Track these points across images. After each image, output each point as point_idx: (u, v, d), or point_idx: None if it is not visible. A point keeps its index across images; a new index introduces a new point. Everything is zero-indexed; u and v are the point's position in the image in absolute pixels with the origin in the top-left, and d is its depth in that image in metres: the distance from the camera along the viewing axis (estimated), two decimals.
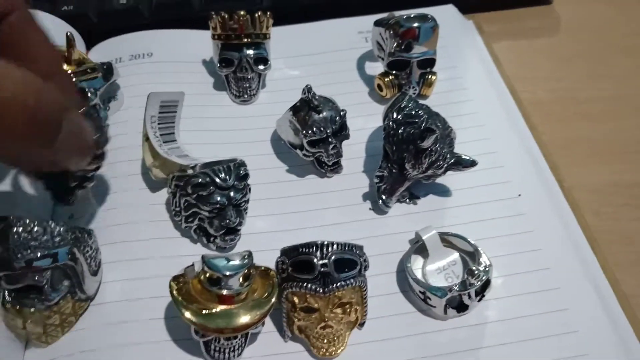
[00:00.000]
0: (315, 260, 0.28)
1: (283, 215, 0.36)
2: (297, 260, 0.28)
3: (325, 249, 0.28)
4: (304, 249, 0.28)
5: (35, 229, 0.28)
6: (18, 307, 0.29)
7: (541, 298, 0.32)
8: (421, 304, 0.32)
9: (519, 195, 0.36)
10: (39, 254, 0.28)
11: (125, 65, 0.43)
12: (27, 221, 0.28)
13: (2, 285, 0.28)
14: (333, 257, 0.28)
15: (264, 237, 0.35)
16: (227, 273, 0.27)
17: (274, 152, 0.39)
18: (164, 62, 0.44)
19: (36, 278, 0.28)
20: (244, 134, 0.40)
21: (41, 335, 0.30)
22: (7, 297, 0.29)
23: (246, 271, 0.28)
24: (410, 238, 0.34)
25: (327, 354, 0.29)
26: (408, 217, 0.36)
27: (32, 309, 0.29)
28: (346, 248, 0.29)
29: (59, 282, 0.29)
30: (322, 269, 0.28)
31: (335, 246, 0.28)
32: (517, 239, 0.34)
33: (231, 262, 0.28)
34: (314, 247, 0.28)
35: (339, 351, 0.30)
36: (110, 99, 0.41)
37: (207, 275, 0.27)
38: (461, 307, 0.31)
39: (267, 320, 0.31)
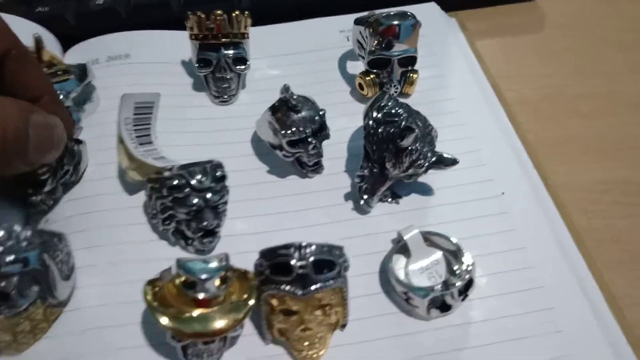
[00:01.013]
0: (293, 261, 0.27)
1: (264, 216, 0.35)
2: (275, 262, 0.28)
3: (303, 250, 0.27)
4: (282, 251, 0.28)
5: (0, 233, 0.27)
6: None
7: (526, 297, 0.31)
8: (404, 304, 0.31)
9: (503, 193, 0.36)
10: (6, 260, 0.27)
11: (102, 67, 0.42)
12: None
13: None
14: (311, 259, 0.27)
15: (244, 238, 0.34)
16: (203, 276, 0.26)
17: (254, 153, 0.39)
18: (141, 63, 0.43)
19: (2, 284, 0.27)
20: (224, 135, 0.39)
21: (11, 343, 0.29)
22: None
23: (223, 274, 0.27)
24: (392, 237, 0.34)
25: (308, 356, 0.29)
26: (390, 217, 0.35)
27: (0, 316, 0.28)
28: (325, 249, 0.28)
29: (27, 288, 0.28)
30: (300, 271, 0.27)
31: (313, 247, 0.27)
32: (501, 238, 0.34)
33: (207, 265, 0.27)
34: (292, 249, 0.27)
35: (320, 353, 0.29)
36: (86, 100, 0.40)
37: (183, 279, 0.27)
38: (444, 307, 0.30)
39: (247, 322, 0.30)
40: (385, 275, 0.32)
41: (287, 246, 0.28)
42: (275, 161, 0.38)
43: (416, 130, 0.31)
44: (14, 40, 0.31)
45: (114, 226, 0.34)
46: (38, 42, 0.36)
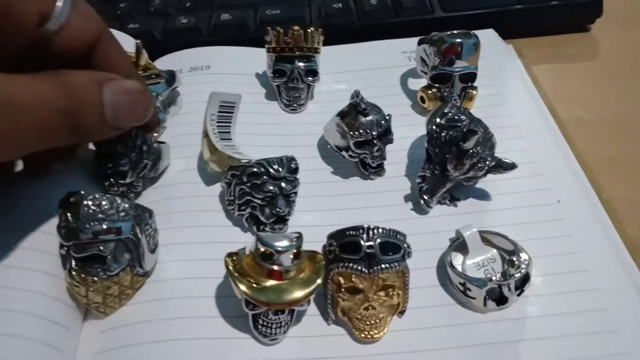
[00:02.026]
0: (361, 241, 0.29)
1: (328, 211, 0.38)
2: (344, 241, 0.30)
3: (371, 232, 0.30)
4: (351, 232, 0.30)
5: (103, 203, 0.31)
6: (83, 275, 0.31)
7: (582, 297, 0.32)
8: (461, 296, 0.32)
9: (558, 201, 0.37)
10: (104, 226, 0.30)
11: (185, 76, 0.47)
12: (97, 196, 0.31)
13: (70, 254, 0.31)
14: (378, 240, 0.29)
15: (309, 229, 0.35)
16: (279, 249, 0.29)
17: (320, 155, 0.42)
18: (220, 74, 0.48)
19: (101, 248, 0.31)
20: (293, 139, 0.43)
21: (100, 305, 0.32)
22: (73, 266, 0.31)
23: (296, 250, 0.30)
24: (450, 237, 0.36)
25: (369, 336, 0.30)
26: (448, 218, 0.37)
27: (95, 278, 0.31)
28: (391, 233, 0.30)
29: (121, 255, 0.31)
30: (368, 250, 0.29)
31: (380, 230, 0.30)
32: (556, 242, 0.35)
33: (283, 240, 0.29)
34: (361, 230, 0.30)
35: (380, 334, 0.31)
36: (171, 104, 0.45)
37: (261, 250, 0.29)
38: (501, 300, 0.31)
39: (312, 305, 0.32)
40: (443, 270, 0.34)
41: (355, 228, 0.30)
42: (339, 163, 0.41)
43: (479, 132, 0.34)
44: (103, 25, 0.33)
45: (193, 211, 0.37)
46: (138, 47, 0.41)
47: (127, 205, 0.31)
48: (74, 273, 0.31)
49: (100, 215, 0.31)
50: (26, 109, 0.26)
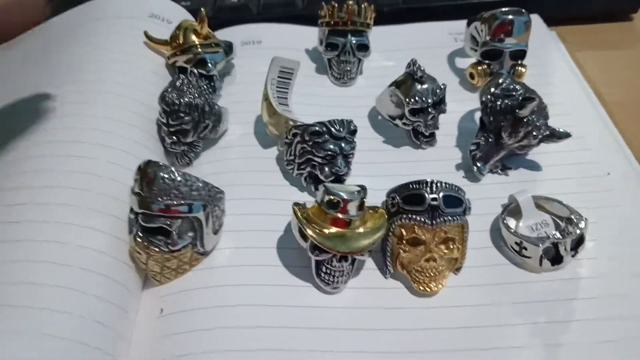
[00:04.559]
0: (426, 194, 0.30)
1: (381, 177, 0.38)
2: (408, 194, 0.31)
3: (434, 186, 0.31)
4: (414, 185, 0.31)
5: (178, 178, 0.31)
6: (146, 243, 0.31)
7: (633, 262, 0.33)
8: (515, 257, 0.33)
9: (608, 174, 0.38)
10: (175, 202, 0.30)
11: (237, 50, 0.48)
12: (173, 169, 0.31)
13: (138, 220, 0.31)
14: (442, 193, 0.30)
15: None
16: (346, 197, 0.30)
17: (371, 126, 0.43)
18: (271, 48, 0.49)
19: (168, 223, 0.31)
20: (344, 110, 0.44)
21: (157, 274, 0.32)
22: (139, 232, 0.31)
23: (361, 201, 0.31)
24: (502, 203, 0.36)
25: (428, 289, 0.31)
26: (499, 186, 0.38)
27: (157, 249, 0.31)
28: (453, 187, 0.31)
29: (185, 232, 0.32)
30: (432, 202, 0.30)
31: (444, 184, 0.31)
32: (607, 212, 0.36)
33: (350, 190, 0.31)
34: (425, 184, 0.31)
35: (438, 287, 0.32)
36: (226, 74, 0.46)
37: (329, 198, 0.30)
38: (556, 260, 0.32)
39: (369, 260, 0.34)
40: (495, 233, 0.35)
41: (419, 182, 0.31)
42: (390, 133, 0.42)
43: (536, 99, 0.35)
44: None
45: (251, 171, 0.38)
46: (202, 15, 0.43)
47: (200, 184, 0.31)
48: (138, 240, 0.31)
49: (174, 191, 0.30)
50: None
